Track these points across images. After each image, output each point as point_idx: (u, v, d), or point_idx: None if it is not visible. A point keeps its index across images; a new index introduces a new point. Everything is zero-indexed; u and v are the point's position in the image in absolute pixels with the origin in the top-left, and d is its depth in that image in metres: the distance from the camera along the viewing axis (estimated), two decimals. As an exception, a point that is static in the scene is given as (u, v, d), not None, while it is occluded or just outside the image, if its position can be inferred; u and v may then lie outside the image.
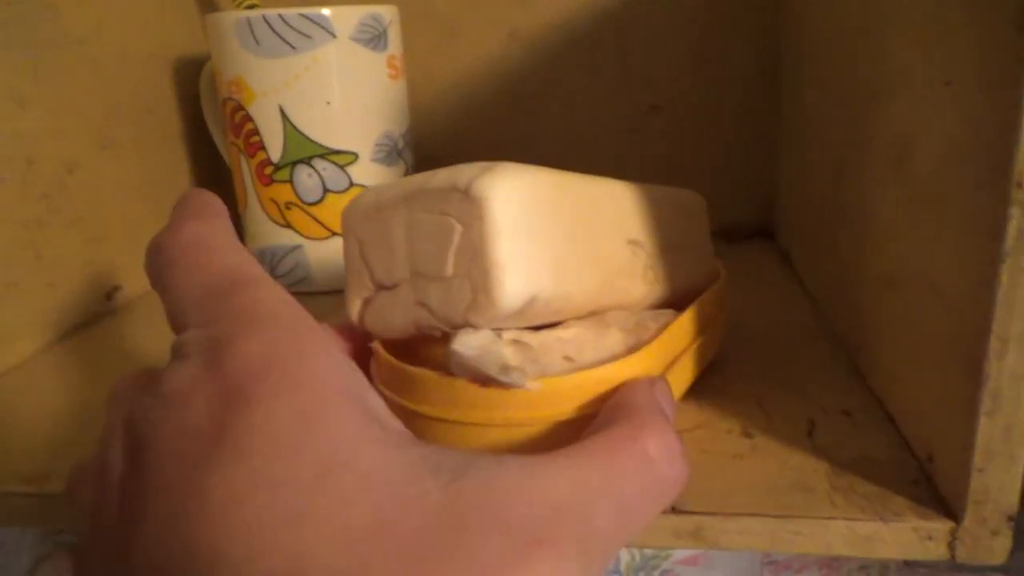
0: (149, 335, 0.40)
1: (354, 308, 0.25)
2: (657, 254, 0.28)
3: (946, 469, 0.22)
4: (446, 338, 0.22)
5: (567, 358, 0.23)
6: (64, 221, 0.40)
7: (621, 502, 0.17)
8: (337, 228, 0.43)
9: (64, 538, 0.68)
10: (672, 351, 0.26)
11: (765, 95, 0.51)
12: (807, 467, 0.24)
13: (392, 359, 0.23)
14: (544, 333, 0.23)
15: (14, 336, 0.36)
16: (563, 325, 0.24)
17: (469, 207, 0.21)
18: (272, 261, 0.44)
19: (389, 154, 0.44)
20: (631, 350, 0.24)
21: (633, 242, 0.26)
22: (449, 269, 0.22)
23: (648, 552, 0.62)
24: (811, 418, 0.27)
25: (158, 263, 0.19)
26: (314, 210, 0.43)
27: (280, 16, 0.40)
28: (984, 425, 0.20)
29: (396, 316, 0.23)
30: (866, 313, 0.30)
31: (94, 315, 0.42)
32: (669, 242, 0.28)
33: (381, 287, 0.24)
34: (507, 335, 0.22)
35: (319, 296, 0.44)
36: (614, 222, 0.26)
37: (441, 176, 0.22)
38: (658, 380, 0.22)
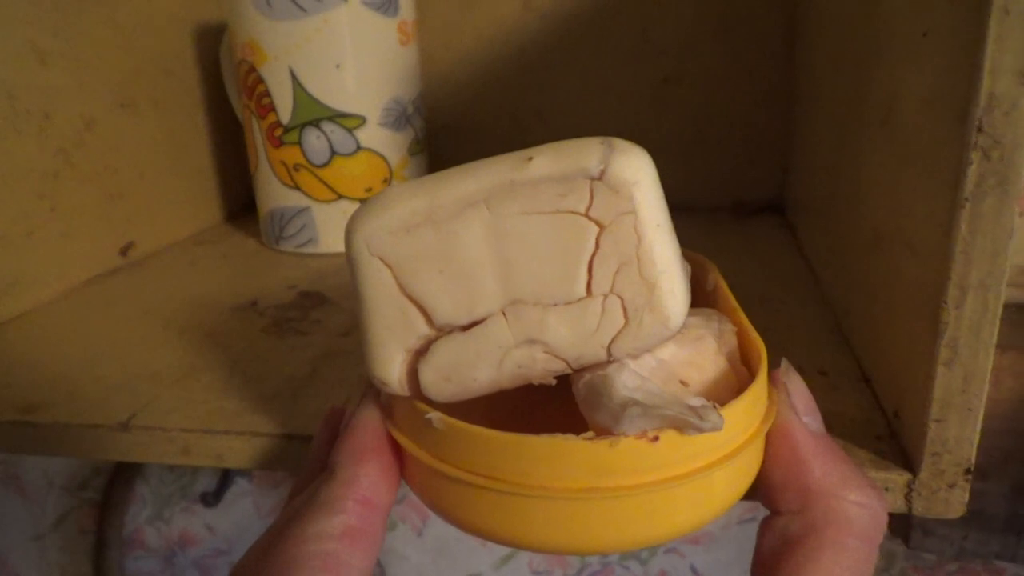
0: (161, 290, 0.41)
1: (393, 367, 0.18)
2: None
3: (908, 423, 0.22)
4: (566, 384, 0.18)
5: (683, 383, 0.18)
6: (80, 175, 0.41)
7: None
8: (344, 191, 0.44)
9: (88, 494, 0.71)
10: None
11: (781, 69, 0.50)
12: (775, 421, 0.24)
13: (488, 431, 0.17)
14: (644, 358, 0.18)
15: (28, 282, 0.38)
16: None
17: (611, 199, 0.16)
18: (281, 222, 0.45)
19: (398, 119, 0.45)
20: (731, 359, 0.20)
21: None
22: (581, 287, 0.17)
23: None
24: (787, 377, 0.27)
25: None
26: (322, 172, 0.44)
27: (292, -21, 0.40)
28: (942, 376, 0.20)
29: (482, 366, 0.17)
30: (853, 276, 0.30)
31: (109, 269, 0.43)
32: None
33: (445, 330, 0.18)
34: (630, 366, 0.17)
35: (324, 258, 0.45)
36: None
37: (544, 162, 0.17)
38: (800, 402, 0.20)
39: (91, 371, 0.31)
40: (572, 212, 0.16)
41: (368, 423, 0.20)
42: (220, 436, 0.25)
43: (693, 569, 0.64)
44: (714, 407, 0.16)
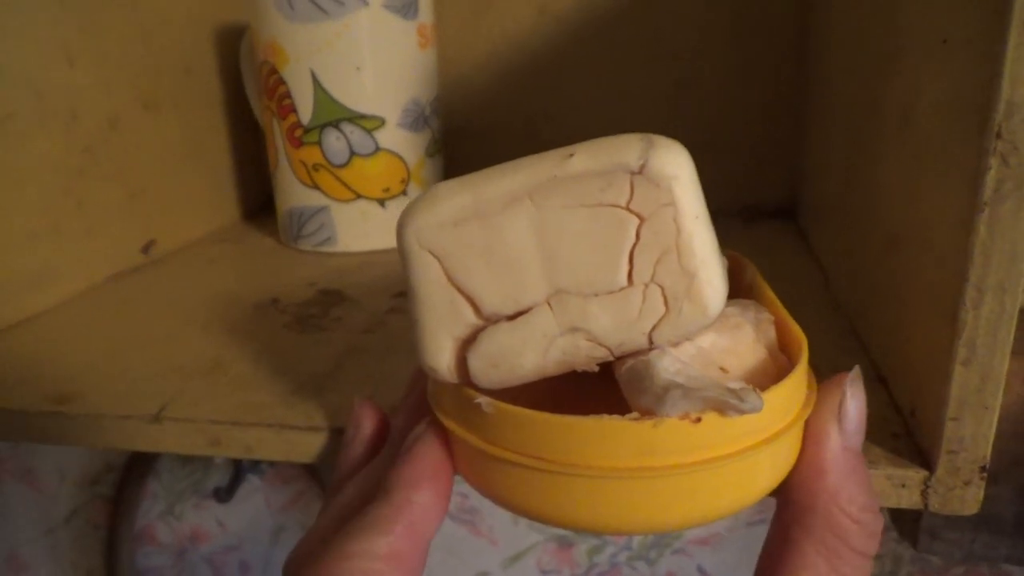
0: (183, 287, 0.42)
1: (443, 355, 0.19)
2: None
3: (925, 421, 0.23)
4: (608, 370, 0.19)
5: (723, 369, 0.19)
6: (104, 173, 0.42)
7: None
8: (363, 191, 0.45)
9: (100, 489, 0.72)
10: None
11: (793, 74, 0.51)
12: (792, 419, 0.25)
13: (536, 412, 0.18)
14: (684, 345, 0.19)
15: (55, 277, 0.39)
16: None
17: (651, 191, 0.17)
18: (299, 221, 0.46)
19: (416, 120, 0.45)
20: (769, 347, 0.21)
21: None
22: (622, 277, 0.17)
23: (661, 529, 0.62)
24: (803, 377, 0.28)
25: None
26: (341, 172, 0.44)
27: (314, -18, 0.41)
28: (959, 374, 0.21)
29: (528, 354, 0.18)
30: (868, 278, 0.30)
31: (131, 266, 0.44)
32: None
33: (492, 319, 0.18)
34: (671, 352, 0.18)
35: (343, 256, 0.46)
36: None
37: (585, 157, 0.17)
38: (850, 413, 0.20)
39: (119, 365, 0.31)
40: (613, 205, 0.17)
41: (429, 452, 0.20)
42: (250, 428, 0.26)
43: (700, 569, 0.64)
44: (754, 390, 0.17)
